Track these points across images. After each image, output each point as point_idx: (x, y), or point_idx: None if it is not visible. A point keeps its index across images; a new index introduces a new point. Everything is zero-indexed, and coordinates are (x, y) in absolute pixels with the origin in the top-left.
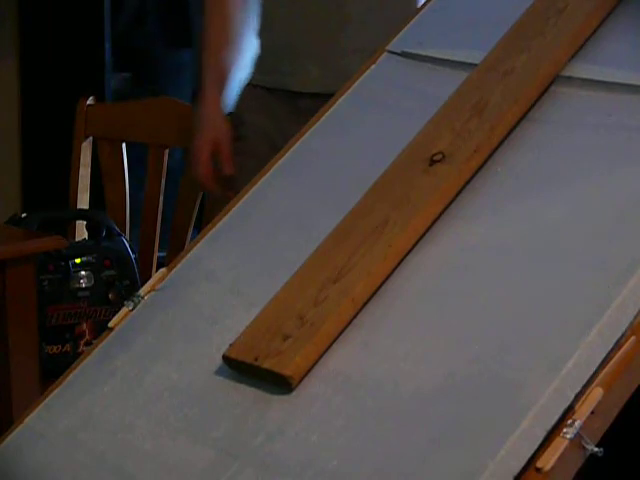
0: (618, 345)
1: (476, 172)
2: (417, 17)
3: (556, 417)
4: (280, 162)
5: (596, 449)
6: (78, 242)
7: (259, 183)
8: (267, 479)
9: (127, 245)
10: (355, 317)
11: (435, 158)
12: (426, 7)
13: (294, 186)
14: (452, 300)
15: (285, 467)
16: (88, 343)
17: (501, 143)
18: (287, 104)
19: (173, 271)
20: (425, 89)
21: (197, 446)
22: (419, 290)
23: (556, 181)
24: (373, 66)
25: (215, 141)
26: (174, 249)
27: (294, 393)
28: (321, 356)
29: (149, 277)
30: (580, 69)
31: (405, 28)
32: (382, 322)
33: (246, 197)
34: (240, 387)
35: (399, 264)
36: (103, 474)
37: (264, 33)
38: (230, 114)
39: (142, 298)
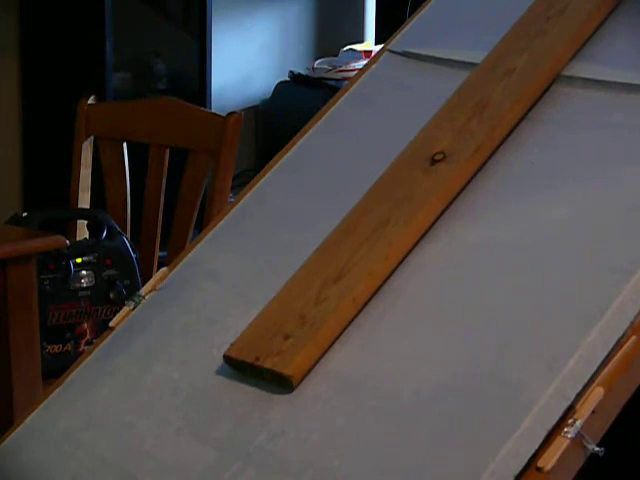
0: (619, 345)
1: (477, 172)
2: (418, 17)
3: (557, 416)
4: (281, 162)
5: (597, 448)
6: (79, 241)
7: (260, 183)
8: (268, 478)
9: (128, 244)
10: (356, 317)
11: (436, 157)
12: (427, 7)
13: (295, 186)
14: (453, 300)
15: (286, 466)
16: (89, 343)
17: (502, 143)
18: None
19: (174, 271)
20: (426, 88)
21: (198, 446)
22: (420, 290)
23: (556, 181)
24: (374, 65)
25: None
26: (175, 249)
27: (295, 393)
28: (322, 356)
29: (150, 277)
30: (581, 69)
31: (406, 28)
32: (383, 322)
33: (246, 197)
34: (241, 387)
35: (400, 263)
36: (103, 474)
37: None
38: None
39: (143, 298)
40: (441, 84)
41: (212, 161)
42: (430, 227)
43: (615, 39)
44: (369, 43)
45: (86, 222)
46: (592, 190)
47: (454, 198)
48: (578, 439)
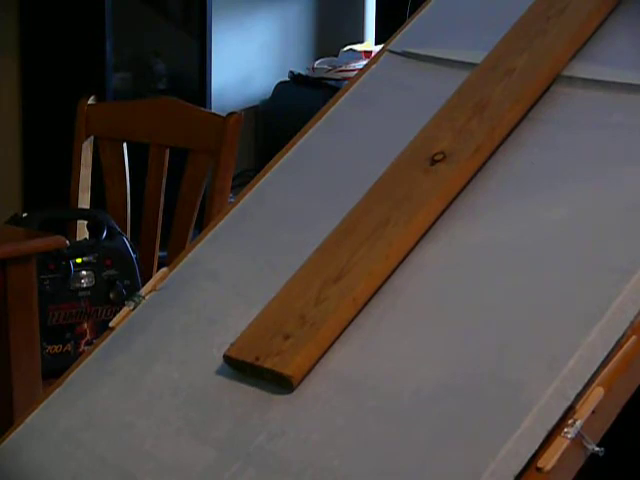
0: (619, 345)
1: (477, 172)
2: (418, 17)
3: (557, 417)
4: (281, 161)
5: (597, 449)
6: (79, 242)
7: (260, 183)
8: (268, 478)
9: (128, 245)
10: (356, 317)
11: (436, 158)
12: (427, 7)
13: (295, 186)
14: (453, 300)
15: (286, 466)
16: (89, 343)
17: (502, 143)
18: None
19: (174, 271)
20: (426, 88)
21: (198, 446)
22: (420, 290)
23: (556, 181)
24: (374, 66)
25: None
26: (175, 249)
27: (295, 393)
28: (322, 356)
29: (150, 277)
30: (581, 69)
31: (406, 28)
32: (383, 322)
33: (247, 197)
34: (241, 387)
35: (400, 263)
36: (103, 474)
37: None
38: None
39: (143, 298)
40: (441, 84)
41: (212, 161)
42: (430, 227)
43: (615, 39)
44: (369, 43)
45: (86, 222)
46: (592, 190)
47: (454, 198)
48: (578, 439)
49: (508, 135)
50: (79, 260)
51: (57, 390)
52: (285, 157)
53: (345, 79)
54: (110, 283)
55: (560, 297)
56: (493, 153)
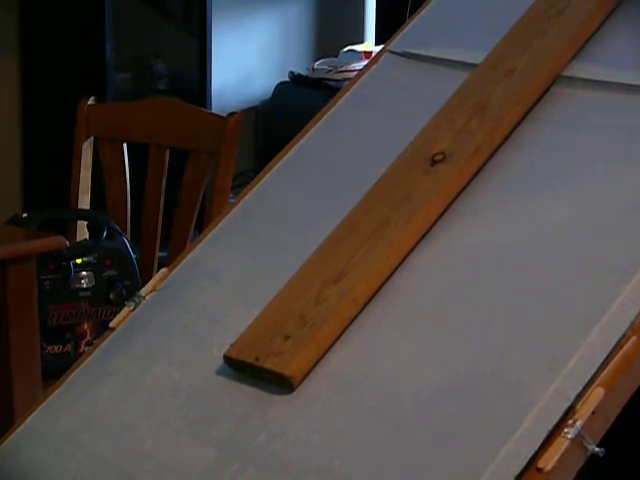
0: (619, 345)
1: (477, 172)
2: (418, 17)
3: (557, 417)
4: (281, 162)
5: (597, 449)
6: (79, 242)
7: (260, 183)
8: (268, 479)
9: (128, 245)
10: (356, 317)
11: (436, 158)
12: (427, 7)
13: (295, 186)
14: (453, 300)
15: (286, 467)
16: (89, 343)
17: (502, 143)
18: None
19: (174, 271)
20: (426, 89)
21: (198, 446)
22: (420, 290)
23: (557, 181)
24: (374, 66)
25: None
26: (175, 249)
27: (295, 393)
28: (322, 356)
29: (150, 277)
30: (581, 69)
31: (406, 28)
32: (383, 322)
33: (247, 197)
34: (241, 387)
35: (400, 264)
36: (104, 474)
37: None
38: None
39: (143, 298)
40: (441, 85)
41: (212, 161)
42: (430, 227)
43: (615, 39)
44: (369, 44)
45: (86, 223)
46: (592, 190)
47: (454, 198)
48: (578, 439)
49: (508, 135)
50: (79, 260)
51: (57, 391)
52: (285, 157)
53: (345, 79)
54: (110, 283)
55: (560, 297)
56: (493, 153)
